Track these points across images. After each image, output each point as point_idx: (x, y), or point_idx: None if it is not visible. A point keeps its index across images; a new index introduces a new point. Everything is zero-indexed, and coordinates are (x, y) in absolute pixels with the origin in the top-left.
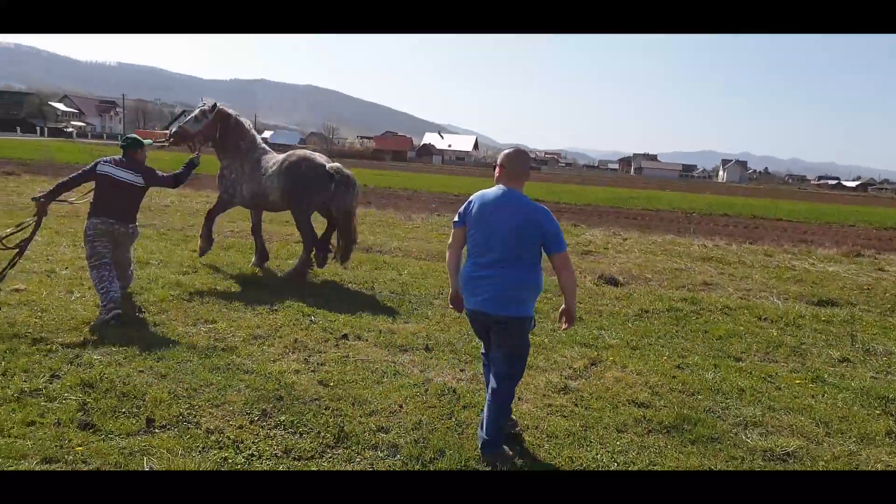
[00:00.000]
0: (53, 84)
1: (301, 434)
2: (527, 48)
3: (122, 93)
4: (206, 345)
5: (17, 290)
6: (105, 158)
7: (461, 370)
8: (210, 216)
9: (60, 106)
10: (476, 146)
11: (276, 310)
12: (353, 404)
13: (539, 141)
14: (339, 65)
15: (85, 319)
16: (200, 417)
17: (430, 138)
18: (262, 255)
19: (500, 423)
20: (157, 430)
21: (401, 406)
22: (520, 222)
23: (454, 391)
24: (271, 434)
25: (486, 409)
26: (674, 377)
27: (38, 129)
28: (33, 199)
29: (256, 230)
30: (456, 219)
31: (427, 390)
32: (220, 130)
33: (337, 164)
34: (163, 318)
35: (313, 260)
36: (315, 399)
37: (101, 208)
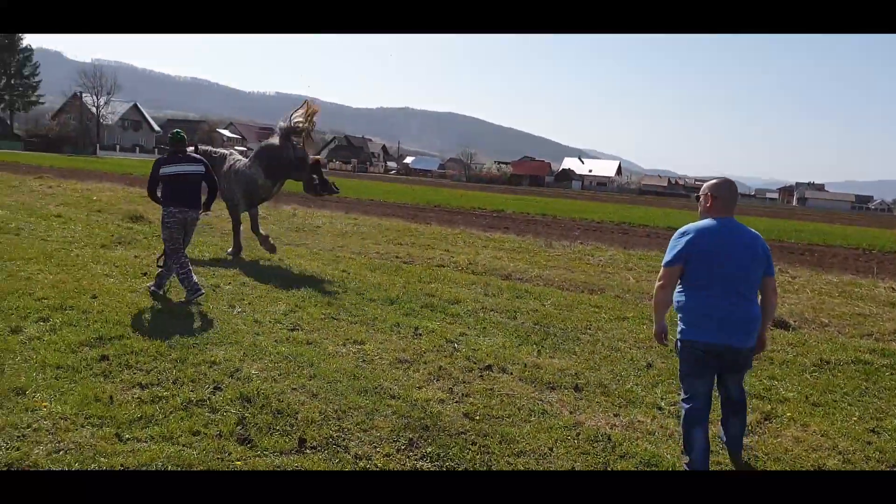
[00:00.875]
0: (222, 113)
1: (447, 469)
2: (672, 70)
3: (279, 120)
4: (354, 366)
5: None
6: (161, 159)
7: (615, 415)
8: (236, 227)
9: (226, 132)
10: (619, 171)
11: (420, 335)
12: (500, 442)
13: (687, 167)
14: (478, 92)
15: (245, 334)
16: (349, 441)
17: (569, 163)
18: (238, 246)
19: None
20: (308, 451)
21: (551, 449)
22: (754, 251)
23: (609, 438)
24: (418, 466)
25: (729, 429)
26: (868, 443)
27: None
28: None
29: (255, 226)
30: (669, 258)
31: (579, 434)
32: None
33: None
34: (315, 337)
35: None
36: (461, 432)
37: (174, 199)
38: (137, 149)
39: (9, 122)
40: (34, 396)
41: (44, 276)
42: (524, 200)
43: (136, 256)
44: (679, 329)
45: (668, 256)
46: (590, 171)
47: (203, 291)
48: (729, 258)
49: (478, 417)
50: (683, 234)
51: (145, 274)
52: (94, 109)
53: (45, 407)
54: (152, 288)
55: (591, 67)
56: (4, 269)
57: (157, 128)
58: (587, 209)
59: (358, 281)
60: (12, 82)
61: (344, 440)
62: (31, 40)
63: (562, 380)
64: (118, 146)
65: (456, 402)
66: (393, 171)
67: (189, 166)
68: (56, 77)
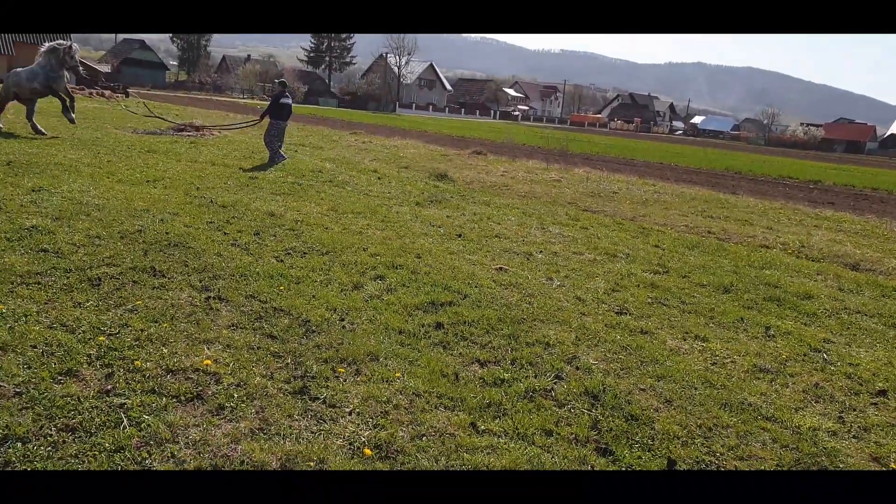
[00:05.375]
0: (507, 72)
1: None
2: None
3: (562, 79)
4: (704, 368)
5: (502, 269)
6: (278, 94)
7: None
8: None
9: (511, 91)
10: None
11: (773, 337)
12: None
13: None
14: (783, 42)
15: (570, 313)
16: (723, 467)
17: None
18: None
19: None
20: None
21: None
22: None
23: None
24: None
25: None
26: None
27: (491, 112)
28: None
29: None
30: None
31: None
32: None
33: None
34: (647, 325)
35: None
36: None
37: (279, 116)
38: (430, 107)
39: (327, 80)
40: (387, 364)
41: (372, 231)
42: (844, 170)
43: (448, 216)
44: None
45: None
46: None
47: (278, 161)
48: None
49: (893, 464)
50: None
51: (460, 236)
52: (395, 69)
53: (398, 378)
54: (277, 161)
55: None
56: (339, 221)
57: (448, 87)
58: None
59: (677, 259)
60: (332, 45)
61: (717, 466)
62: None
63: None
64: (414, 104)
65: (853, 437)
66: (679, 132)
67: (288, 99)
68: (365, 39)
